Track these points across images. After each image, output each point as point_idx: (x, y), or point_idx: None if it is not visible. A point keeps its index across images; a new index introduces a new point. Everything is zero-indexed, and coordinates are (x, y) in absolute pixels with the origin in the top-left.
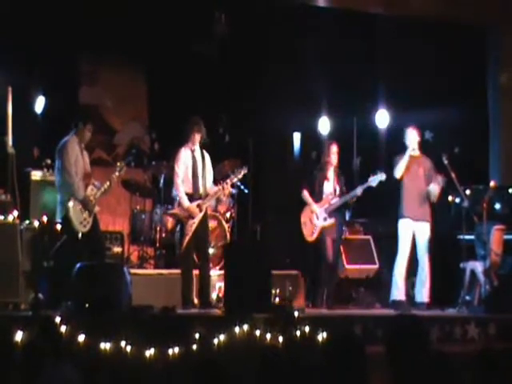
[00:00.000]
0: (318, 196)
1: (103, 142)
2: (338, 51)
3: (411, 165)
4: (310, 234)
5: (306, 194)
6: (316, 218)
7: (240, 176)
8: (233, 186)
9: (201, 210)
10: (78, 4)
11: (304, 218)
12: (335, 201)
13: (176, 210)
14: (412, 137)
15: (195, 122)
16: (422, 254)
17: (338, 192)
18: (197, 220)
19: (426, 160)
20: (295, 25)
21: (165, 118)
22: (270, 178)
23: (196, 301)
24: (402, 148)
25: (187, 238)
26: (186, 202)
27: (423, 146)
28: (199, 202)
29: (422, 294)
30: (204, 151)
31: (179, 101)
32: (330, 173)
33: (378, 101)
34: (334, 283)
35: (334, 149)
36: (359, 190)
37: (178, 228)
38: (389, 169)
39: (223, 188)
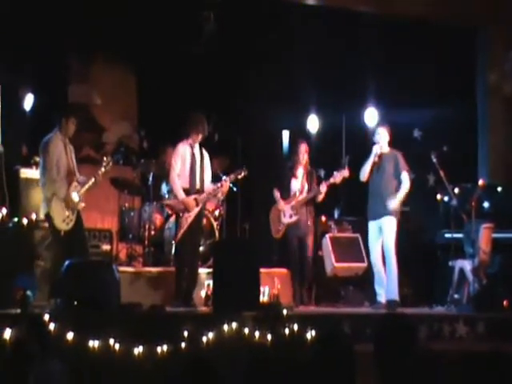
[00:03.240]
0: (286, 193)
1: (92, 139)
2: (326, 49)
3: (381, 162)
4: (276, 232)
5: (276, 192)
6: (283, 216)
7: (240, 177)
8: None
9: (197, 205)
10: (69, 2)
11: (272, 216)
12: (301, 197)
13: (172, 202)
14: (383, 135)
15: (200, 122)
16: (387, 249)
17: (306, 189)
18: (193, 214)
19: (394, 155)
20: (283, 23)
21: (154, 116)
22: (259, 176)
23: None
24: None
25: (181, 231)
26: (181, 195)
27: (412, 144)
28: (196, 196)
29: (392, 291)
30: (203, 149)
31: (168, 99)
32: (299, 171)
33: (366, 99)
34: (308, 280)
35: (303, 148)
36: (322, 187)
37: (166, 226)
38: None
39: (221, 185)
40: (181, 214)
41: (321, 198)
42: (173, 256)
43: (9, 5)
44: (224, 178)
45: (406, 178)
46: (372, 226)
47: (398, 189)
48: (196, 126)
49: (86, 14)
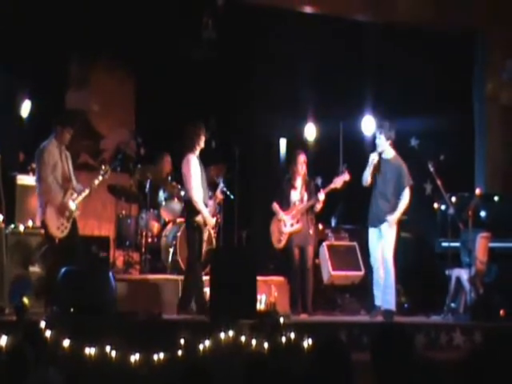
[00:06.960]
0: (286, 205)
1: (89, 146)
2: (324, 57)
3: (382, 168)
4: (277, 241)
5: (275, 205)
6: (284, 226)
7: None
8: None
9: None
10: (67, 7)
11: (273, 227)
12: (301, 206)
13: (200, 218)
14: (383, 139)
15: (201, 132)
16: (385, 259)
17: (305, 199)
18: (209, 228)
19: (399, 165)
20: (282, 31)
21: (151, 123)
22: (256, 184)
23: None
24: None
25: (204, 245)
26: (205, 210)
27: (409, 153)
28: (209, 210)
29: (389, 301)
30: None
31: (166, 106)
32: (298, 182)
33: (364, 107)
34: (311, 288)
35: (302, 159)
36: (320, 195)
37: (163, 233)
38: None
39: (217, 197)
40: (202, 229)
41: (319, 207)
42: (187, 266)
43: (8, 10)
44: (219, 188)
45: (407, 194)
46: (372, 231)
47: (397, 200)
48: (200, 134)
49: (85, 19)
